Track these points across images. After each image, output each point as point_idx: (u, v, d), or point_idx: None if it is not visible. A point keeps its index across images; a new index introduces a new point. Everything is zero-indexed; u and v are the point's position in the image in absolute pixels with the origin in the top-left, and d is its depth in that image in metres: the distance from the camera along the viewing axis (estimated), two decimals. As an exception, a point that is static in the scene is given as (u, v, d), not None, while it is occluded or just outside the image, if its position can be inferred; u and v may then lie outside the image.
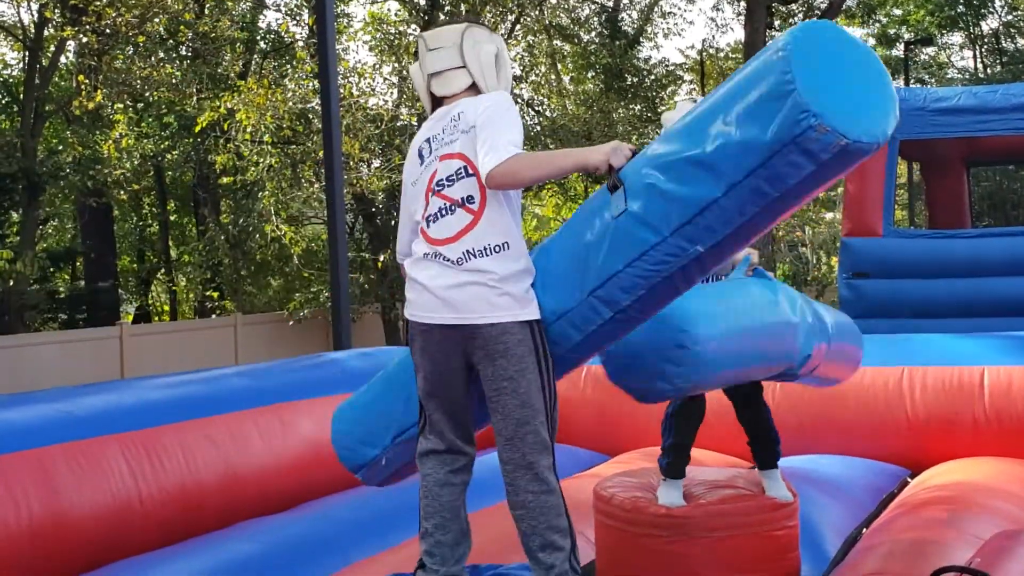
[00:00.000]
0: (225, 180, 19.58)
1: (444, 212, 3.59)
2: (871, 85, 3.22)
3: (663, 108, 26.95)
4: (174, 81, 19.70)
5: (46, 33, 20.60)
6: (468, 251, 3.52)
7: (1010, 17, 31.85)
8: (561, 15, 26.15)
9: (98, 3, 17.96)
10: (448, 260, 3.52)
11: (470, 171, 3.60)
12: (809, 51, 3.11)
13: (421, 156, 3.74)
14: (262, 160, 17.88)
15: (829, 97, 3.09)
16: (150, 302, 27.23)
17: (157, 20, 19.28)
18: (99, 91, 18.90)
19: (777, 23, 27.79)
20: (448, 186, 3.61)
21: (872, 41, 34.40)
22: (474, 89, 3.75)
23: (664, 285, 3.42)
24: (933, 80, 33.38)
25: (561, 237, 3.64)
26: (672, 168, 3.24)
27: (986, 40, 33.55)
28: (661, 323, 3.80)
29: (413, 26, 20.41)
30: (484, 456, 4.26)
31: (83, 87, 19.11)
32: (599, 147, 3.48)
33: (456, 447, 3.67)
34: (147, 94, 20.41)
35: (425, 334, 3.56)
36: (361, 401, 4.33)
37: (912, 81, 29.73)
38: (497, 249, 3.52)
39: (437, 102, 3.83)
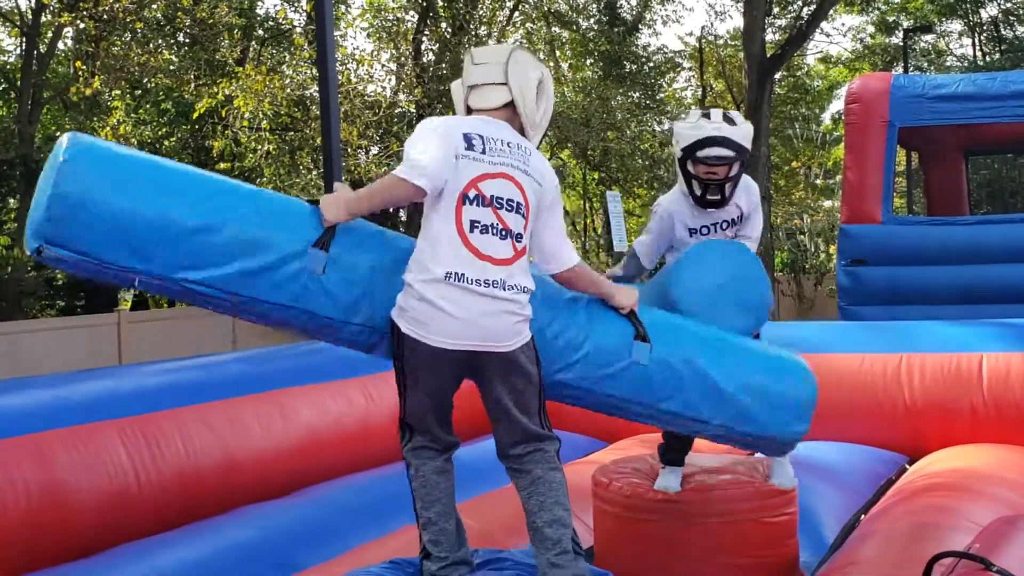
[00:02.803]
0: (223, 166, 19.52)
1: (495, 231, 3.57)
2: None
3: (661, 94, 26.96)
4: (172, 67, 19.68)
5: (43, 19, 20.54)
6: (502, 280, 3.54)
7: (1009, 5, 31.78)
8: (559, 2, 26.11)
9: (95, -11, 17.93)
10: (481, 280, 3.51)
11: (524, 212, 3.64)
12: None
13: (469, 142, 3.63)
14: (260, 147, 17.87)
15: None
16: (148, 289, 27.16)
17: (155, 6, 19.23)
18: (97, 77, 18.85)
19: (776, 10, 27.76)
20: (508, 210, 3.61)
21: (871, 28, 34.39)
22: (511, 108, 3.76)
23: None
24: (932, 68, 33.34)
25: (559, 325, 3.82)
26: (709, 381, 3.87)
27: (985, 28, 33.50)
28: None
29: (411, 13, 20.39)
30: (482, 443, 4.26)
31: (80, 73, 19.07)
32: (627, 294, 3.91)
33: (448, 443, 3.74)
34: (145, 80, 20.36)
35: (435, 355, 3.52)
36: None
37: (911, 69, 29.68)
38: (524, 291, 3.60)
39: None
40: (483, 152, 3.61)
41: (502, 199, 3.60)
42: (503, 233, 3.57)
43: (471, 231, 3.54)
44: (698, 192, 4.73)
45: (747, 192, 4.90)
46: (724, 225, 4.88)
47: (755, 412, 3.89)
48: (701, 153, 4.66)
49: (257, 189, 3.54)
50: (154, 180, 3.24)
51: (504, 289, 3.52)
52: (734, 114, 4.80)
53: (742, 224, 4.92)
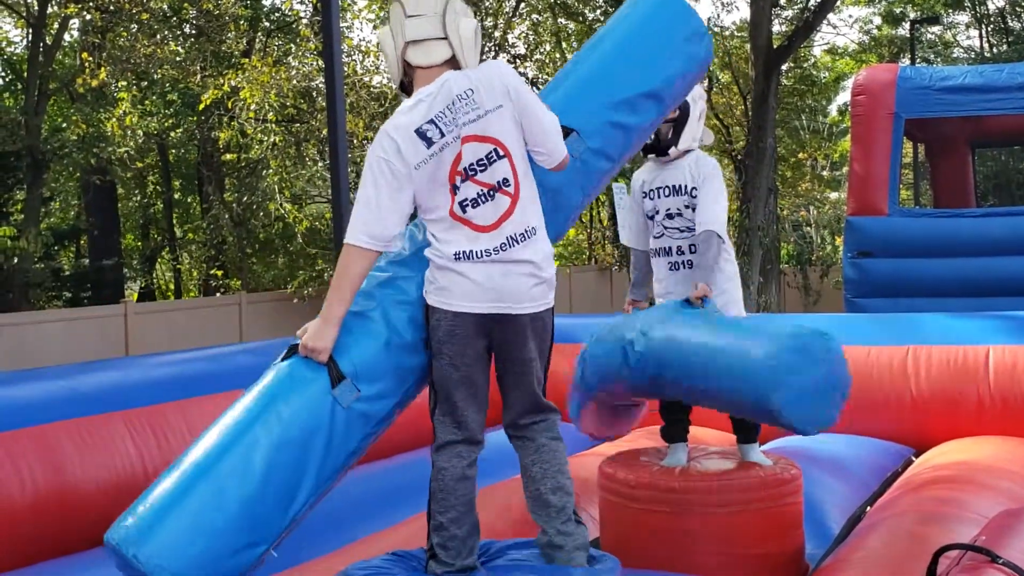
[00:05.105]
0: (229, 157, 19.51)
1: (483, 198, 3.58)
2: None
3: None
4: (178, 59, 19.68)
5: (49, 10, 20.54)
6: (510, 237, 3.58)
7: (1016, -4, 31.71)
8: (565, -7, 26.03)
9: (101, -20, 17.94)
10: (489, 250, 3.56)
11: (501, 153, 3.61)
12: None
13: (426, 138, 3.56)
14: (266, 138, 17.85)
15: None
16: (154, 280, 27.23)
17: (161, -3, 19.25)
18: (103, 69, 18.87)
19: (783, 1, 27.69)
20: (481, 171, 3.59)
21: (878, 20, 34.30)
22: (453, 62, 3.69)
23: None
24: (939, 59, 33.26)
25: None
26: (628, 103, 4.00)
27: (992, 19, 33.40)
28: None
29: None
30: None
31: (87, 65, 19.08)
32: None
33: (474, 437, 3.69)
34: (151, 72, 20.37)
35: (457, 319, 3.56)
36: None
37: (918, 60, 29.61)
38: (532, 232, 3.63)
39: (408, 71, 3.74)
40: (441, 135, 3.58)
41: (474, 164, 3.59)
42: (489, 194, 3.59)
43: (464, 211, 3.59)
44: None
45: (697, 164, 5.11)
46: (667, 192, 5.09)
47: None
48: None
49: (253, 440, 3.69)
50: (210, 528, 3.51)
51: (516, 244, 3.58)
52: None
53: (694, 200, 5.03)
